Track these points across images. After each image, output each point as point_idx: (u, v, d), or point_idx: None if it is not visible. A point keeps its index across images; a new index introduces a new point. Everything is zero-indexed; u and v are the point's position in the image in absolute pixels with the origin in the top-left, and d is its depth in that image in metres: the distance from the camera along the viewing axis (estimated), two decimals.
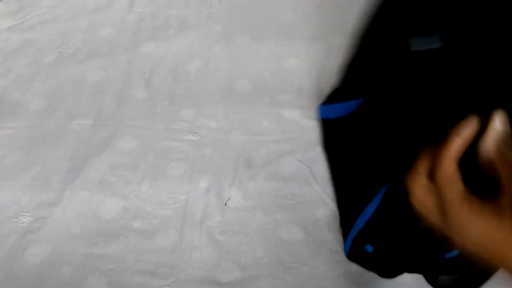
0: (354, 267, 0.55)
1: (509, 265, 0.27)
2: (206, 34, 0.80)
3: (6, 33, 0.84)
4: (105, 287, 0.57)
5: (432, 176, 0.31)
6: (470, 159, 0.30)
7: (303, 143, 0.66)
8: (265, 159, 0.65)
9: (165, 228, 0.61)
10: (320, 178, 0.62)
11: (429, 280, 0.51)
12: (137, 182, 0.65)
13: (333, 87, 0.60)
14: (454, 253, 0.42)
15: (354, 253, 0.52)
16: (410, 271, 0.50)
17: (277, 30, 0.79)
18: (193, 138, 0.68)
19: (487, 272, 0.46)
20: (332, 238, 0.58)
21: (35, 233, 0.61)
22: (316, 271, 0.56)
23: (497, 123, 0.30)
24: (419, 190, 0.31)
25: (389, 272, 0.52)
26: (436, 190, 0.30)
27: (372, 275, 0.55)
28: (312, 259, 0.57)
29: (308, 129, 0.67)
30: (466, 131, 0.30)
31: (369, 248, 0.48)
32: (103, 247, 0.60)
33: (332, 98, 0.60)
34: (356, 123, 0.52)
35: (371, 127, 0.49)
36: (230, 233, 0.60)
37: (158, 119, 0.71)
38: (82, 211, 0.63)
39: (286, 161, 0.64)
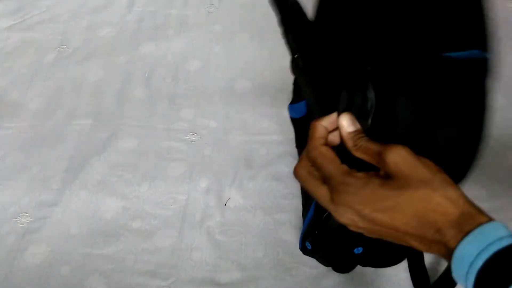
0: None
1: (401, 237, 0.26)
2: (206, 34, 0.80)
3: (5, 33, 0.84)
4: (105, 287, 0.57)
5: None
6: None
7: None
8: (265, 159, 0.65)
9: (165, 228, 0.61)
10: None
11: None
12: (137, 182, 0.65)
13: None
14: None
15: (302, 248, 0.54)
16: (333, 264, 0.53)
17: (277, 30, 0.78)
18: (193, 138, 0.68)
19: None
20: None
21: (34, 234, 0.61)
22: (316, 271, 0.56)
23: (345, 124, 0.30)
24: (303, 173, 0.31)
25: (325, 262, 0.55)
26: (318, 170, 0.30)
27: (372, 276, 0.55)
28: (312, 260, 0.57)
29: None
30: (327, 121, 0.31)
31: (308, 246, 0.51)
32: (103, 247, 0.60)
33: (297, 96, 0.58)
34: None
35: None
36: (230, 233, 0.60)
37: (158, 119, 0.71)
38: (82, 211, 0.63)
39: (286, 161, 0.64)
